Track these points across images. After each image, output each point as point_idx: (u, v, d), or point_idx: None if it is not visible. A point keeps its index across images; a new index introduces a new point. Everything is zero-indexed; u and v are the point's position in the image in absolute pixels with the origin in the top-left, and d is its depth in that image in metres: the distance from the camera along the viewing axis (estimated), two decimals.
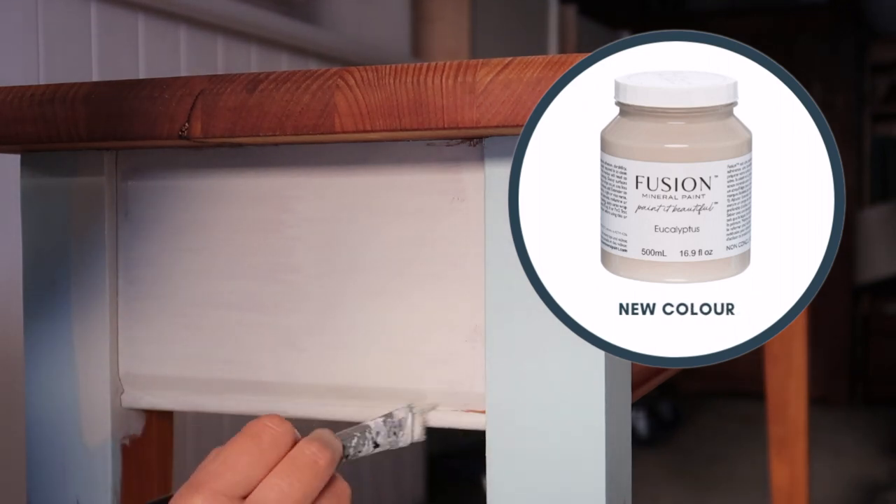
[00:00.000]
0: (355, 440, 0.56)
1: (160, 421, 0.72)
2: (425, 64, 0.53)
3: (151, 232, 0.66)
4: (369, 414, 0.61)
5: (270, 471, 0.51)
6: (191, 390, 0.66)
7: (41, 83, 0.73)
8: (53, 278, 0.67)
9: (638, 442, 2.98)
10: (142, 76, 1.36)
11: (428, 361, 0.59)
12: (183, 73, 1.45)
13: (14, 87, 0.63)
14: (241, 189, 0.63)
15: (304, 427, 0.52)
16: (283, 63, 1.70)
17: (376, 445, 0.57)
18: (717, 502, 2.46)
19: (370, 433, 0.56)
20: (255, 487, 0.51)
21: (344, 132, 0.54)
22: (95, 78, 1.29)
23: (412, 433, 0.59)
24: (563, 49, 2.64)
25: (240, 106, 0.56)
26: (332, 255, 0.61)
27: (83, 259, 0.66)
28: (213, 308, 0.64)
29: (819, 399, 3.49)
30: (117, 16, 1.32)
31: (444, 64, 0.52)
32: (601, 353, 0.54)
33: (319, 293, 0.62)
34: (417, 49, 2.25)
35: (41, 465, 0.68)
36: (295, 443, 0.52)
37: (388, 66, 0.53)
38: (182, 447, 1.47)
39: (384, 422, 0.57)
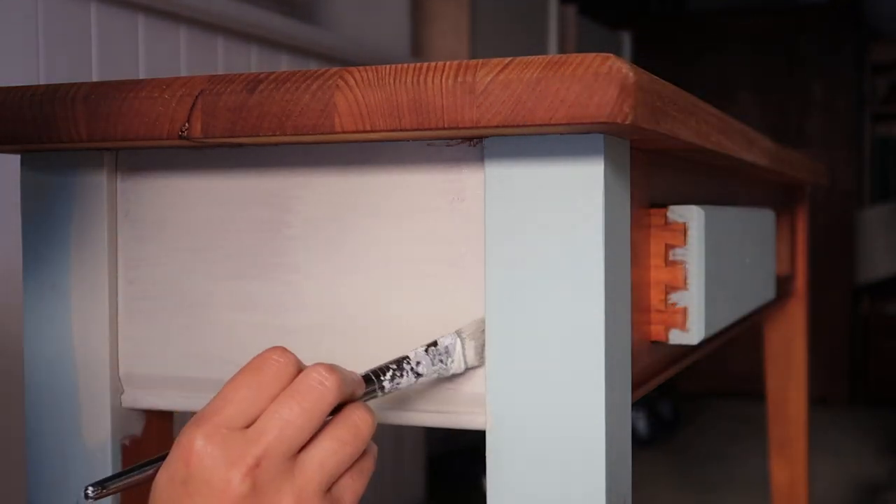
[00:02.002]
0: (390, 372, 0.54)
1: (160, 421, 0.72)
2: (425, 64, 0.53)
3: (151, 232, 0.66)
4: None
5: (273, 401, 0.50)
6: (191, 390, 0.66)
7: (41, 83, 0.73)
8: (53, 278, 0.67)
9: (638, 442, 2.98)
10: (142, 76, 1.36)
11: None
12: (183, 73, 1.45)
13: (14, 87, 0.63)
14: (241, 189, 0.63)
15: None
16: (283, 63, 1.70)
17: (419, 375, 0.55)
18: (717, 502, 2.46)
19: (409, 363, 0.54)
20: (257, 418, 0.50)
21: (344, 132, 0.54)
22: (95, 78, 1.29)
23: (464, 359, 0.56)
24: (563, 49, 2.64)
25: (240, 106, 0.56)
26: (332, 255, 0.61)
27: (83, 259, 0.66)
28: (213, 308, 0.64)
29: (819, 399, 3.49)
30: (117, 16, 1.32)
31: (444, 64, 0.52)
32: (601, 354, 0.54)
33: (319, 293, 0.62)
34: (417, 49, 2.25)
35: (41, 465, 0.68)
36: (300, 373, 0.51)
37: (388, 66, 0.53)
38: None
39: (426, 350, 0.55)
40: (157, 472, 0.52)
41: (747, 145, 0.81)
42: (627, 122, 0.49)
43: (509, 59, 0.51)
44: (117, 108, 0.59)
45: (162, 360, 0.66)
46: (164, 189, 0.65)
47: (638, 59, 3.30)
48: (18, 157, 0.69)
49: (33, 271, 0.68)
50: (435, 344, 0.56)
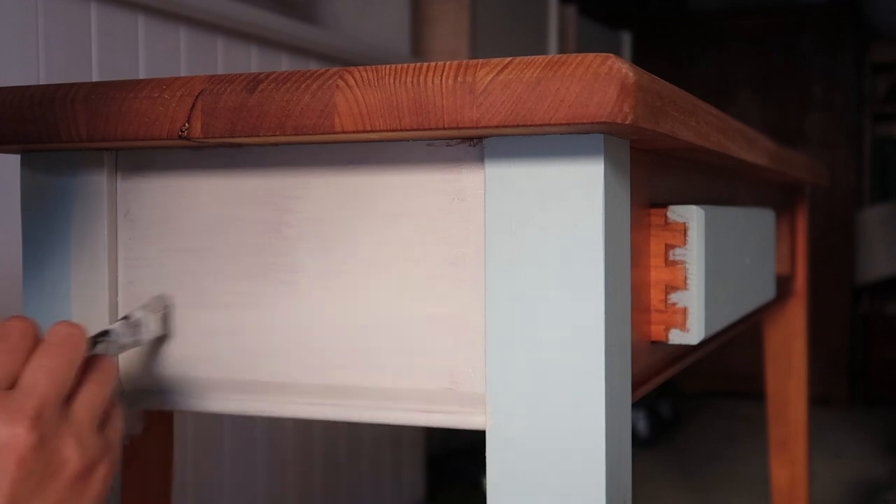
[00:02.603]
0: (99, 343, 0.60)
1: (160, 421, 0.72)
2: (425, 64, 0.53)
3: (151, 232, 0.66)
4: (369, 414, 0.61)
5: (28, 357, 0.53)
6: (191, 390, 0.66)
7: (41, 83, 0.73)
8: (53, 278, 0.67)
9: (638, 442, 2.98)
10: (142, 76, 1.36)
11: (428, 361, 0.59)
12: (183, 73, 1.45)
13: (14, 87, 0.63)
14: (241, 189, 0.63)
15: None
16: (283, 63, 1.70)
17: (122, 347, 0.62)
18: (717, 502, 2.46)
19: (112, 335, 0.61)
20: (17, 377, 0.52)
21: (344, 132, 0.54)
22: (95, 78, 1.29)
23: (153, 329, 0.64)
24: (563, 49, 2.64)
25: (240, 106, 0.56)
26: (332, 255, 0.61)
27: (83, 259, 0.66)
28: (212, 308, 0.64)
29: (819, 399, 3.49)
30: (117, 16, 1.32)
31: (444, 64, 0.52)
32: (601, 354, 0.54)
33: (319, 293, 0.62)
34: (417, 49, 2.25)
35: None
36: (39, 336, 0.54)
37: (388, 66, 0.53)
38: (182, 447, 1.47)
39: (121, 324, 0.62)
40: None
41: (747, 145, 0.81)
42: (627, 122, 0.49)
43: (509, 59, 0.51)
44: (117, 108, 0.59)
45: (161, 360, 0.66)
46: (164, 189, 0.65)
47: (638, 59, 3.30)
48: (18, 157, 0.69)
49: (33, 271, 0.68)
50: (127, 317, 0.63)
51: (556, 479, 0.55)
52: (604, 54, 0.50)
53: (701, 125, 0.63)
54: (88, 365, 0.55)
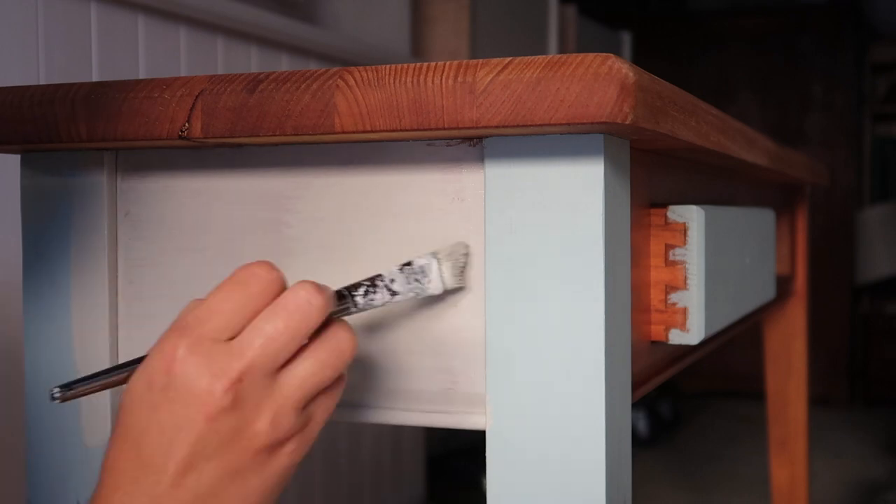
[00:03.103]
0: (363, 288, 0.54)
1: None
2: (425, 64, 0.53)
3: (151, 232, 0.66)
4: (369, 415, 0.61)
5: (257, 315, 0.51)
6: None
7: (41, 83, 0.73)
8: (53, 278, 0.67)
9: (638, 442, 2.98)
10: (142, 76, 1.36)
11: (428, 361, 0.59)
12: (183, 73, 1.45)
13: (14, 87, 0.63)
14: (241, 189, 0.63)
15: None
16: (283, 63, 1.70)
17: (393, 293, 0.55)
18: (717, 502, 2.46)
19: (382, 280, 0.55)
20: (241, 332, 0.51)
21: (344, 132, 0.54)
22: (95, 78, 1.29)
23: (441, 280, 0.56)
24: (563, 49, 2.64)
25: (240, 106, 0.56)
26: (332, 256, 0.61)
27: (83, 259, 0.66)
28: None
29: (819, 399, 3.49)
30: (117, 16, 1.32)
31: (444, 64, 0.52)
32: (601, 354, 0.54)
33: None
34: (417, 49, 2.25)
35: (41, 466, 0.68)
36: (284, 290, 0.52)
37: (388, 66, 0.53)
38: None
39: (401, 269, 0.55)
40: (129, 376, 0.53)
41: (747, 145, 0.81)
42: (627, 122, 0.49)
43: (509, 59, 0.51)
44: (117, 108, 0.59)
45: None
46: (164, 189, 0.65)
47: (638, 59, 3.30)
48: (18, 157, 0.69)
49: (33, 271, 0.68)
50: (409, 263, 0.55)
51: (556, 479, 0.55)
52: (604, 54, 0.50)
53: (701, 125, 0.63)
54: (325, 335, 0.52)
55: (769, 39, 3.76)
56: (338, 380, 0.54)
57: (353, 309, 0.55)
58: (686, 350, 0.79)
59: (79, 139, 0.61)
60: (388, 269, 0.56)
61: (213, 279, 0.64)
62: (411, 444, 2.22)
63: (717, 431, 3.24)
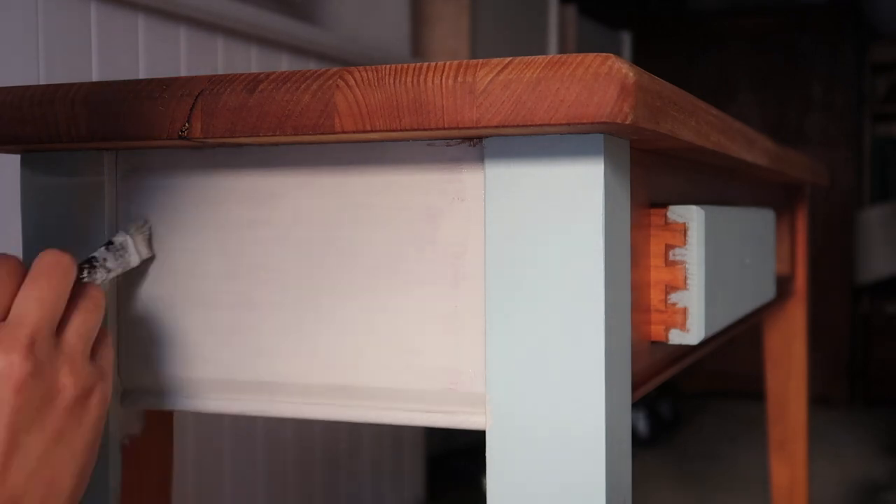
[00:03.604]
0: (85, 270, 0.59)
1: (160, 421, 0.72)
2: (425, 64, 0.53)
3: (151, 232, 0.66)
4: (369, 414, 0.61)
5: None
6: (191, 390, 0.66)
7: (41, 83, 0.73)
8: None
9: (638, 442, 2.98)
10: (142, 76, 1.36)
11: (428, 361, 0.59)
12: (183, 73, 1.45)
13: (14, 87, 0.63)
14: (240, 189, 0.63)
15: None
16: (283, 63, 1.70)
17: (108, 271, 0.61)
18: (717, 502, 2.46)
19: (97, 261, 0.60)
20: (8, 309, 0.52)
21: (344, 132, 0.54)
22: (95, 78, 1.29)
23: (138, 252, 0.63)
24: (563, 49, 2.64)
25: (240, 106, 0.56)
26: (333, 256, 0.61)
27: (83, 259, 0.66)
28: (212, 308, 0.64)
29: (819, 399, 3.49)
30: (117, 16, 1.32)
31: (444, 64, 0.52)
32: (601, 354, 0.54)
33: (320, 293, 0.62)
34: (417, 49, 2.25)
35: None
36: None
37: (388, 66, 0.53)
38: (182, 447, 1.47)
39: (107, 248, 0.62)
40: None
41: (747, 145, 0.81)
42: (627, 122, 0.49)
43: (509, 59, 0.51)
44: (117, 108, 0.59)
45: (162, 360, 0.66)
46: (163, 189, 0.65)
47: (638, 59, 3.30)
48: (18, 157, 0.69)
49: None
50: (111, 242, 0.62)
51: (556, 479, 0.55)
52: (604, 54, 0.50)
53: (701, 125, 0.63)
54: (77, 294, 0.55)
55: (769, 39, 3.76)
56: (104, 330, 0.58)
57: (85, 280, 0.59)
58: (686, 350, 0.79)
59: (79, 139, 0.61)
60: (99, 250, 0.61)
61: (213, 279, 0.64)
62: (411, 444, 2.22)
63: (717, 431, 3.23)
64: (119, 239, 0.63)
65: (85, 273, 0.59)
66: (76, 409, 0.53)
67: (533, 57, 0.51)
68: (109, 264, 0.61)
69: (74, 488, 0.54)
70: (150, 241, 0.65)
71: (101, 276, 0.60)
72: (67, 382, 0.53)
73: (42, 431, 0.52)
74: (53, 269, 0.53)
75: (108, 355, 0.57)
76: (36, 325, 0.52)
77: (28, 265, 0.53)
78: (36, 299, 0.52)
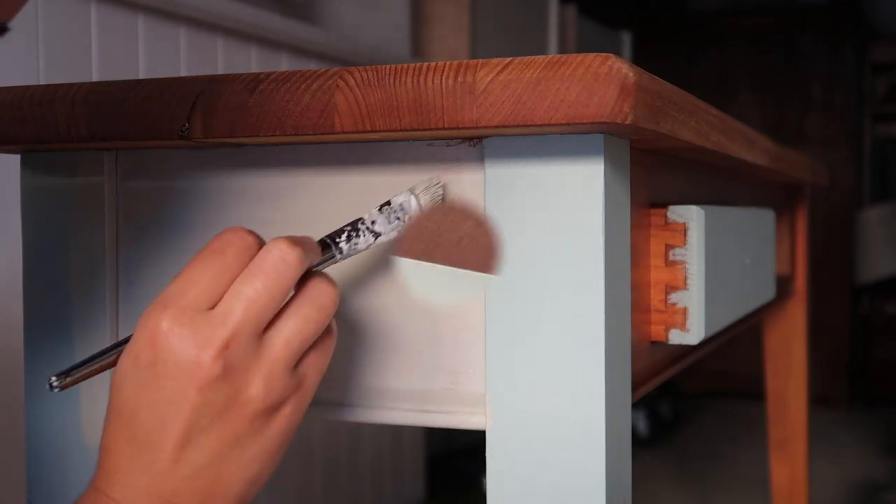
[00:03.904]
0: (345, 234, 0.54)
1: None
2: (425, 64, 0.53)
3: (151, 232, 0.66)
4: (369, 414, 0.61)
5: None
6: None
7: (41, 83, 0.73)
8: (53, 278, 0.67)
9: (638, 442, 2.98)
10: (142, 76, 1.36)
11: (428, 361, 0.59)
12: (183, 73, 1.45)
13: (14, 87, 0.63)
14: (241, 189, 0.63)
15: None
16: (283, 63, 1.70)
17: (376, 235, 0.55)
18: (717, 502, 2.46)
19: (363, 223, 0.54)
20: (221, 300, 0.50)
21: (344, 132, 0.54)
22: (95, 78, 1.29)
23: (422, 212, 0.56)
24: (563, 49, 2.64)
25: (240, 106, 0.56)
26: None
27: (83, 259, 0.66)
28: None
29: (819, 399, 3.49)
30: (117, 16, 1.32)
31: (444, 64, 0.52)
32: (601, 354, 0.54)
33: None
34: (417, 49, 2.24)
35: (41, 466, 0.68)
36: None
37: (388, 66, 0.53)
38: None
39: (380, 210, 0.55)
40: (119, 357, 0.52)
41: (747, 145, 0.81)
42: (627, 122, 0.49)
43: (509, 59, 0.51)
44: (117, 108, 0.59)
45: None
46: (164, 189, 0.65)
47: (638, 59, 3.30)
48: (18, 157, 0.69)
49: (33, 271, 0.68)
50: (388, 203, 0.55)
51: (556, 479, 0.55)
52: (604, 54, 0.50)
53: (701, 125, 0.63)
54: (305, 291, 0.52)
55: (769, 39, 3.76)
56: (326, 335, 0.54)
57: (339, 256, 0.54)
58: (686, 350, 0.79)
59: (79, 139, 0.61)
60: (369, 211, 0.55)
61: None
62: (411, 444, 2.22)
63: (717, 431, 3.23)
64: (399, 199, 0.55)
65: (343, 239, 0.53)
66: (260, 420, 0.51)
67: (533, 57, 0.51)
68: (379, 227, 0.54)
69: (242, 493, 0.52)
70: (440, 202, 0.56)
71: (364, 241, 0.54)
72: (257, 394, 0.50)
73: (219, 434, 0.50)
74: (275, 267, 0.50)
75: (318, 364, 0.53)
76: (237, 327, 0.49)
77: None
78: (246, 298, 0.49)
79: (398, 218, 0.55)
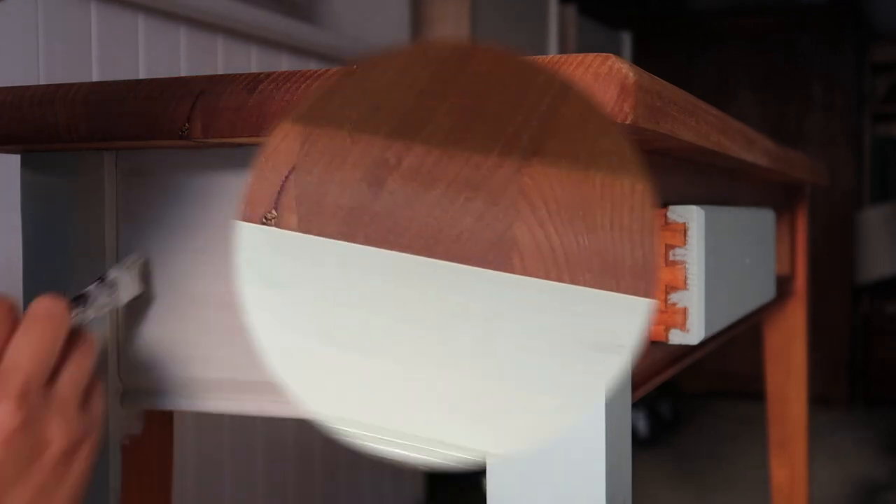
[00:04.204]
0: (77, 308, 0.57)
1: (160, 421, 0.72)
2: None
3: (151, 232, 0.66)
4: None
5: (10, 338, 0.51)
6: (191, 390, 0.66)
7: (41, 83, 0.73)
8: (53, 278, 0.67)
9: (638, 442, 2.98)
10: (142, 76, 1.36)
11: None
12: (183, 73, 1.45)
13: (14, 87, 0.63)
14: (241, 189, 0.63)
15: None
16: (283, 63, 1.70)
17: (99, 308, 0.60)
18: (717, 502, 2.46)
19: (91, 299, 0.59)
20: (1, 355, 0.50)
21: None
22: (95, 78, 1.29)
23: (130, 289, 0.63)
24: (563, 49, 2.64)
25: (240, 106, 0.56)
26: None
27: (83, 259, 0.66)
28: (212, 308, 0.64)
29: (819, 399, 3.49)
30: (117, 16, 1.32)
31: None
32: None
33: None
34: None
35: None
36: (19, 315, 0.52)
37: None
38: (182, 447, 1.47)
39: (98, 285, 0.60)
40: None
41: (747, 145, 0.81)
42: (627, 122, 0.49)
43: None
44: (117, 108, 0.59)
45: (162, 360, 0.66)
46: (164, 189, 0.65)
47: (638, 59, 3.30)
48: (18, 157, 0.69)
49: (33, 271, 0.67)
50: (102, 279, 0.61)
51: (556, 480, 0.55)
52: (604, 54, 0.50)
53: (701, 125, 0.63)
54: (69, 340, 0.54)
55: (769, 39, 3.76)
56: (95, 376, 0.55)
57: (77, 320, 0.58)
58: (686, 350, 0.79)
59: (79, 139, 0.61)
60: (91, 286, 0.60)
61: (213, 279, 0.64)
62: None
63: (717, 431, 3.24)
64: (112, 275, 0.62)
65: (77, 311, 0.57)
66: (62, 465, 0.51)
67: (533, 57, 0.51)
68: (101, 301, 0.60)
69: None
70: (141, 278, 0.64)
71: (90, 315, 0.59)
72: (57, 435, 0.51)
73: (26, 486, 0.49)
74: (49, 315, 0.51)
75: (99, 404, 0.55)
76: (28, 374, 0.50)
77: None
78: (29, 347, 0.50)
79: (112, 292, 0.61)
